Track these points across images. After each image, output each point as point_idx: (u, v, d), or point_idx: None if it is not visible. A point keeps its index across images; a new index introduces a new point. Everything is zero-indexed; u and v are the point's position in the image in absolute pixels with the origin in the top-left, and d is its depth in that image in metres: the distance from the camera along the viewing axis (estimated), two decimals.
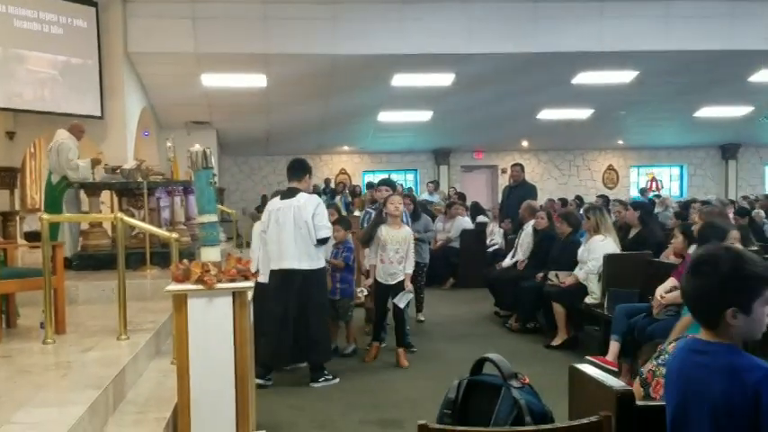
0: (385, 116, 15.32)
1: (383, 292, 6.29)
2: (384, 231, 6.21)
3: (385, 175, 17.58)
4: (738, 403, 1.78)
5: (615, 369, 5.44)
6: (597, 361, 5.46)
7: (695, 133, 18.52)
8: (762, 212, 11.39)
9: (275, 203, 5.75)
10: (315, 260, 5.63)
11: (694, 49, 11.19)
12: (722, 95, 14.62)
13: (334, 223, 6.77)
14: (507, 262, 8.54)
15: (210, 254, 3.44)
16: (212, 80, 11.87)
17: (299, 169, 5.82)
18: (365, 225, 6.63)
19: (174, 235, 5.02)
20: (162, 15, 10.26)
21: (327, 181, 18.51)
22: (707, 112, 16.14)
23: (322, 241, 5.69)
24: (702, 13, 10.92)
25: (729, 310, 1.84)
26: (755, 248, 7.05)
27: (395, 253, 6.18)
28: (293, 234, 5.52)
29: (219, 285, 3.28)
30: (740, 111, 16.17)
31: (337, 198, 16.15)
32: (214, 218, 3.50)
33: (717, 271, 1.86)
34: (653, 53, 11.29)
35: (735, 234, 5.06)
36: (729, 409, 1.79)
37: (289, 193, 5.71)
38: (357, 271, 6.94)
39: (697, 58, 11.55)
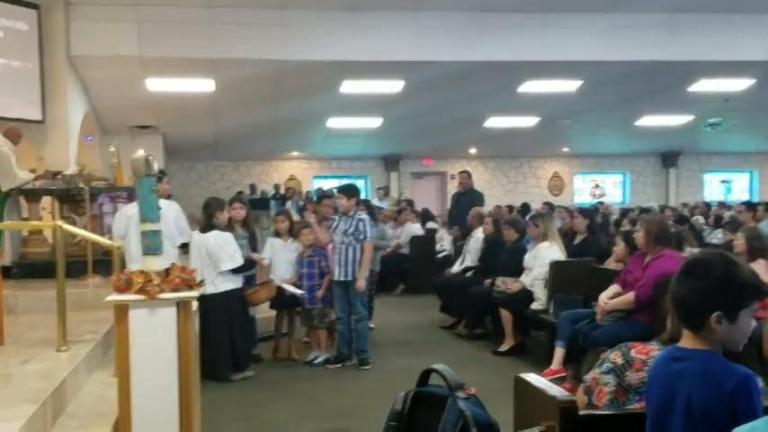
0: (335, 122, 15.29)
1: None
2: None
3: (335, 182, 17.58)
4: (715, 409, 1.80)
5: (563, 374, 5.53)
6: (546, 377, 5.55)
7: (637, 141, 19.00)
8: (701, 219, 11.75)
9: (133, 208, 5.54)
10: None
11: (636, 59, 11.48)
12: (663, 104, 15.03)
13: (304, 227, 6.73)
14: (456, 268, 8.61)
15: (153, 263, 3.37)
16: (158, 84, 11.65)
17: None
18: (335, 235, 6.43)
19: (116, 243, 4.91)
20: (106, 19, 10.01)
21: (277, 187, 18.37)
22: (648, 120, 16.56)
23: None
24: (643, 24, 11.21)
25: (714, 315, 1.85)
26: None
27: None
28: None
29: (162, 295, 3.21)
30: (680, 120, 16.64)
31: (288, 203, 16.03)
32: (157, 226, 3.42)
33: (709, 274, 1.88)
34: (596, 63, 11.54)
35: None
36: (706, 414, 1.80)
37: None
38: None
39: (638, 68, 11.84)
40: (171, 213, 5.76)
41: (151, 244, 3.37)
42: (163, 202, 5.44)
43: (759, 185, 21.71)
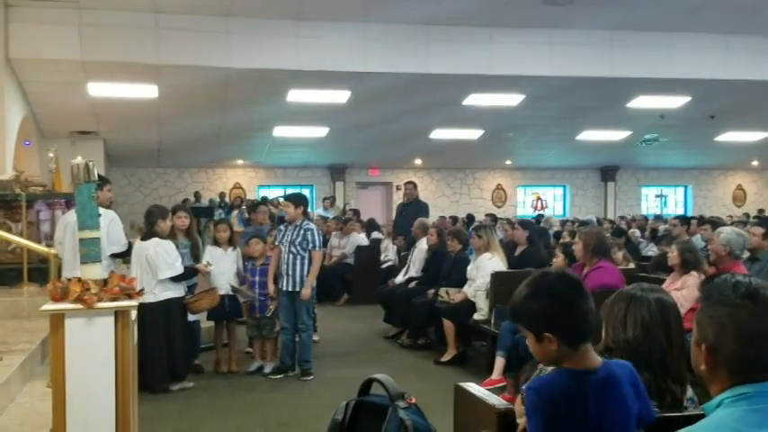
0: (281, 131, 15.21)
1: None
2: None
3: (280, 191, 17.49)
4: None
5: (503, 384, 5.61)
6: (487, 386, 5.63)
7: (577, 155, 19.45)
8: (637, 232, 12.09)
9: (73, 215, 5.42)
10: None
11: (575, 75, 11.78)
12: (602, 120, 15.43)
13: (253, 236, 6.70)
14: (400, 278, 8.66)
15: (92, 271, 3.30)
16: (100, 89, 11.41)
17: None
18: (280, 243, 6.39)
19: (53, 250, 4.80)
20: (47, 21, 9.74)
21: (222, 195, 18.14)
22: (588, 135, 16.98)
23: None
24: (583, 41, 11.51)
25: None
26: (633, 266, 7.48)
27: None
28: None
29: (100, 305, 3.15)
30: (619, 135, 17.12)
31: (234, 213, 15.77)
32: (96, 233, 3.36)
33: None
34: (538, 78, 11.79)
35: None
36: None
37: None
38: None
39: (578, 83, 12.16)
40: (104, 222, 5.63)
41: (89, 252, 3.31)
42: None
43: (693, 199, 22.48)
